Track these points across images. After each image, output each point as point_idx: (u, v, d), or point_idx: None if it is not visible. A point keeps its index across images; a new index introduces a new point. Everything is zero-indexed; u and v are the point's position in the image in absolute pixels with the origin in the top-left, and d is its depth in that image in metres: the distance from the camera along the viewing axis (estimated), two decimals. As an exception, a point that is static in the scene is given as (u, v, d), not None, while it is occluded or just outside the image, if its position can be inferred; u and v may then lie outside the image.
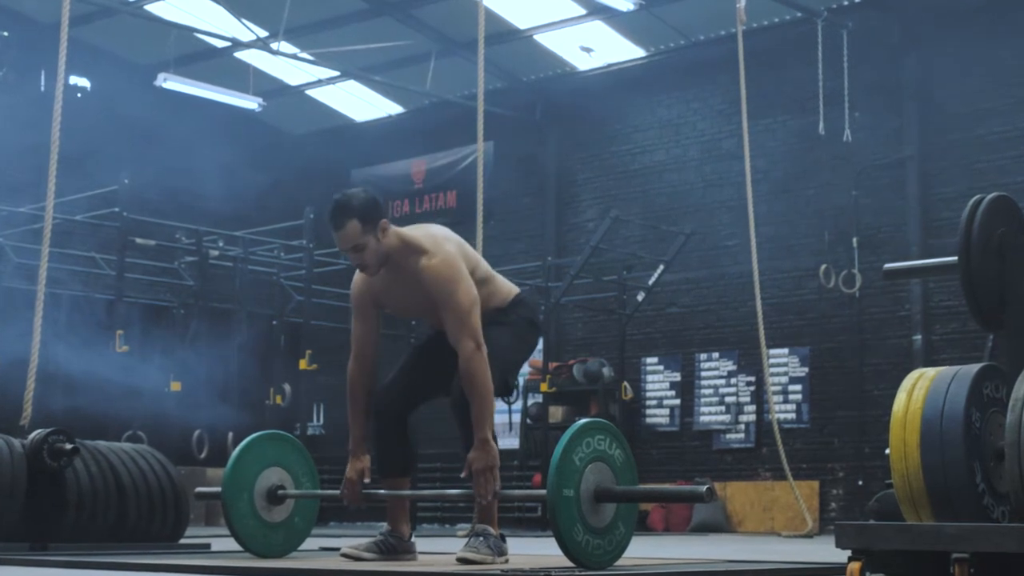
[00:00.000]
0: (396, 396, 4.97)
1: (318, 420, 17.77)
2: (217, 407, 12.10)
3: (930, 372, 3.71)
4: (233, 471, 5.29)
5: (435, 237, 4.78)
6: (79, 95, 16.16)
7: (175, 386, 11.72)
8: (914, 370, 3.76)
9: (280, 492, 5.38)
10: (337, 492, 5.05)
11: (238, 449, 5.33)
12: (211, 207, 13.91)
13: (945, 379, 3.64)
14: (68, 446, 5.11)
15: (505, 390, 4.92)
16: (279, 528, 5.40)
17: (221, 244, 12.10)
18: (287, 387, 12.47)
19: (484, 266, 4.96)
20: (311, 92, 17.19)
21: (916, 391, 3.65)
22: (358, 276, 4.91)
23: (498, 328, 4.90)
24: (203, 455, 11.24)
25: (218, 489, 5.35)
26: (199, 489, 5.69)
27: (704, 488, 4.43)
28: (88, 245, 12.28)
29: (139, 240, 10.97)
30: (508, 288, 5.02)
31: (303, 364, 11.37)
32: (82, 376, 10.63)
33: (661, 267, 13.70)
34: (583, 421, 4.57)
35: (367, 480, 4.96)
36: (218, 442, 11.93)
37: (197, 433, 10.97)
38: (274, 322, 12.88)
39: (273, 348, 12.78)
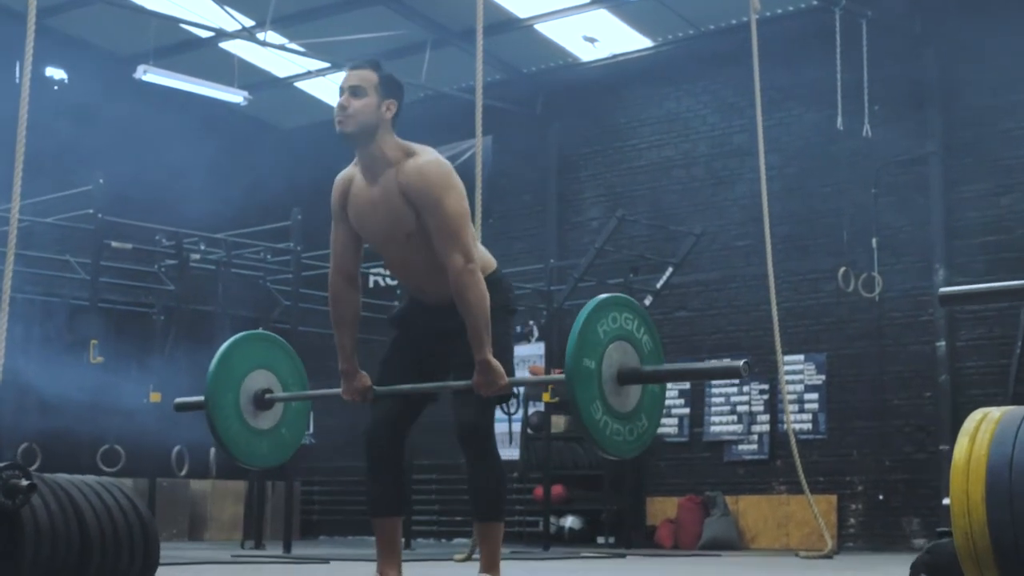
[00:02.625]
0: (386, 426, 4.66)
1: (308, 428, 17.40)
2: (200, 418, 11.71)
3: (995, 413, 3.35)
4: (218, 371, 5.04)
5: (431, 150, 4.59)
6: (56, 87, 15.84)
7: (154, 397, 11.33)
8: (977, 409, 3.41)
9: (268, 396, 5.10)
10: (331, 391, 4.84)
11: (223, 348, 5.09)
12: (193, 206, 13.54)
13: (1013, 421, 3.28)
14: (24, 482, 4.75)
15: (505, 396, 4.61)
16: (265, 436, 5.15)
17: (203, 247, 11.73)
18: (274, 397, 12.07)
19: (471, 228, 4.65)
20: (300, 84, 16.86)
21: (980, 435, 3.29)
22: (339, 179, 4.71)
23: None
24: (183, 472, 10.87)
25: (201, 398, 5.10)
26: (179, 400, 5.46)
27: (741, 363, 4.16)
28: (61, 248, 11.93)
29: (115, 244, 10.62)
30: (486, 262, 4.68)
31: (290, 375, 10.98)
32: (53, 388, 10.29)
33: (670, 269, 13.34)
34: (608, 295, 4.32)
35: (371, 397, 4.69)
36: (200, 458, 11.58)
37: (177, 450, 10.59)
38: (260, 328, 12.48)
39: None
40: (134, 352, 12.36)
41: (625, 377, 4.23)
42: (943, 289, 3.71)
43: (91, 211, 10.14)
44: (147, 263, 12.39)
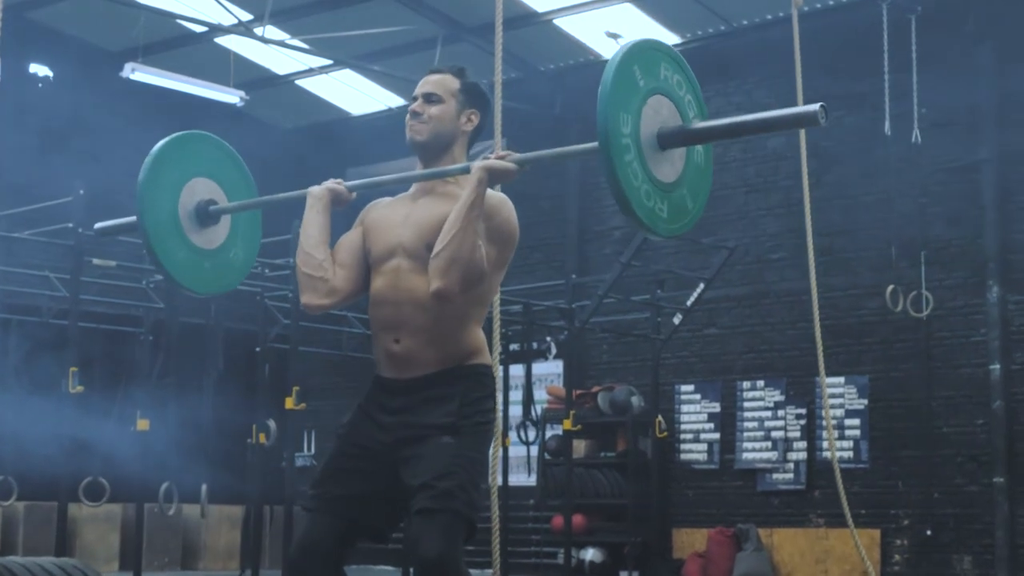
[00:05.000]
0: (318, 558, 3.77)
1: (308, 450, 16.79)
2: (191, 447, 11.07)
3: None
4: (149, 179, 4.29)
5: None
6: (40, 84, 15.23)
7: (142, 424, 10.66)
8: None
9: (212, 208, 4.41)
10: (294, 193, 4.20)
11: (154, 152, 4.34)
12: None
13: None
14: (-35, 575, 4.07)
15: (471, 532, 3.73)
16: (209, 256, 4.46)
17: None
18: (272, 423, 11.40)
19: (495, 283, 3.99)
20: (301, 82, 16.19)
21: None
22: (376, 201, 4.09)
23: (457, 441, 3.77)
24: (171, 512, 10.17)
25: (131, 219, 4.38)
26: (100, 225, 4.75)
27: (818, 106, 3.43)
28: (40, 263, 11.24)
29: (96, 261, 9.94)
30: (480, 348, 3.92)
31: (289, 403, 10.29)
32: (28, 420, 9.65)
33: (701, 286, 12.60)
34: (647, 40, 3.66)
35: (347, 197, 4.07)
36: (190, 492, 10.91)
37: (165, 486, 9.90)
38: (257, 348, 11.79)
39: (256, 378, 11.71)
40: (119, 376, 11.70)
41: (668, 138, 3.61)
42: None
43: (70, 225, 9.44)
44: (134, 279, 11.68)
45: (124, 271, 11.21)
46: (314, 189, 4.04)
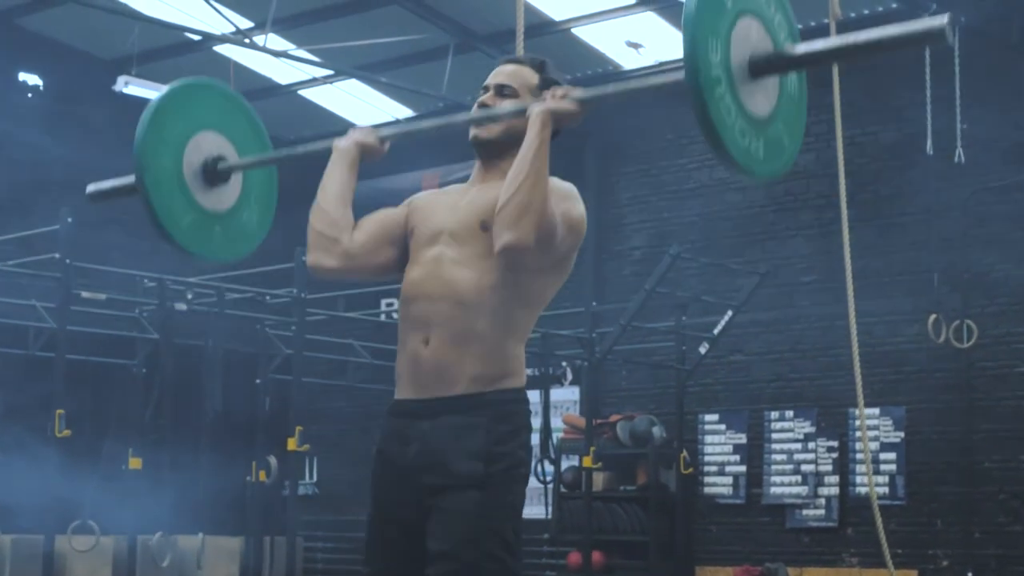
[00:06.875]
0: None
1: (310, 477, 16.32)
2: (186, 486, 10.60)
3: None
4: (150, 131, 3.85)
5: None
6: (30, 95, 14.80)
7: (134, 463, 10.19)
8: None
9: (222, 165, 3.99)
10: (318, 145, 3.81)
11: (155, 102, 3.92)
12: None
13: None
14: None
15: None
16: (219, 220, 4.03)
17: (190, 296, 10.49)
18: (272, 460, 10.90)
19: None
20: (304, 93, 15.71)
21: None
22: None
23: (484, 496, 3.32)
24: (165, 563, 9.66)
25: (128, 179, 3.91)
26: (94, 187, 4.22)
27: (945, 18, 2.97)
28: (24, 291, 10.75)
29: (85, 294, 9.47)
30: (517, 370, 3.46)
31: (291, 444, 9.78)
32: (15, 459, 9.20)
33: (730, 313, 12.08)
34: None
35: (381, 148, 3.76)
36: (187, 526, 10.45)
37: (158, 536, 9.40)
38: (257, 380, 11.27)
39: (256, 411, 11.20)
40: (110, 411, 11.22)
41: (762, 66, 3.20)
42: None
43: (57, 255, 8.94)
44: (127, 308, 11.18)
45: (115, 303, 10.73)
46: (340, 142, 3.67)
